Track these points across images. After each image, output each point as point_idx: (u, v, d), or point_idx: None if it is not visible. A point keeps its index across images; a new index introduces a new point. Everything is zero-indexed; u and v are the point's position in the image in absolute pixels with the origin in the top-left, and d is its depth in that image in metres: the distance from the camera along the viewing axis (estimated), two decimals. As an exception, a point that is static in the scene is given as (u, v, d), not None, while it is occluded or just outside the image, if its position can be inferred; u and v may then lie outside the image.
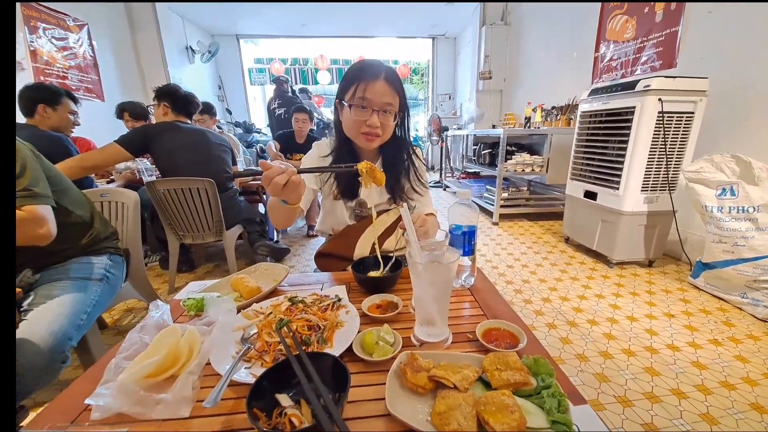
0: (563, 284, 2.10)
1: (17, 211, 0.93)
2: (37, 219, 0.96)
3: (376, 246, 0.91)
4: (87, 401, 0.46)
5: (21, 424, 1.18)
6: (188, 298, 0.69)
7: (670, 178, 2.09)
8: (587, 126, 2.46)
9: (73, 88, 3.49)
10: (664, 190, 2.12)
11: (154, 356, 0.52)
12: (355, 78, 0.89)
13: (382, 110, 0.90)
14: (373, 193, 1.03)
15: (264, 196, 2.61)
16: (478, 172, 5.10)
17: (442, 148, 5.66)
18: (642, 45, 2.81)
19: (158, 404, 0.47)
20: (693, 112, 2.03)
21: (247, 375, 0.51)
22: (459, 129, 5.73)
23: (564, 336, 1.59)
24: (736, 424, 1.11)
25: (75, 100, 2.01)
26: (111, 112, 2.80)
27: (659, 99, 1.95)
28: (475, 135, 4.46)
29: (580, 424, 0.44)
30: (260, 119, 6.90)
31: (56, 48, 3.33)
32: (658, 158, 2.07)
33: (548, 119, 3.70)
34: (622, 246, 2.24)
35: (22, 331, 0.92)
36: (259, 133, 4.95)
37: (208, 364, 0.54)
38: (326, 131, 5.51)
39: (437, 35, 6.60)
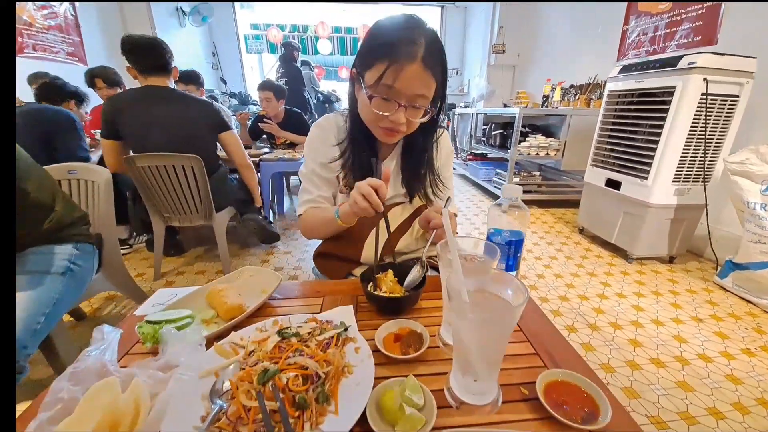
0: (580, 280, 1.95)
1: None
2: None
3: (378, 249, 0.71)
4: None
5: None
6: (145, 323, 0.52)
7: (705, 169, 1.90)
8: (615, 107, 2.24)
9: (54, 50, 3.19)
10: (698, 181, 1.94)
11: (83, 426, 0.35)
12: (384, 53, 0.63)
13: (411, 105, 0.67)
14: (391, 186, 0.83)
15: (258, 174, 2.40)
16: (486, 154, 4.86)
17: (447, 127, 5.39)
18: (678, 18, 2.53)
19: None
20: (738, 96, 1.82)
21: (214, 463, 0.34)
22: (466, 107, 5.43)
23: (586, 341, 1.45)
24: (783, 452, 0.98)
25: None
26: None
27: (704, 79, 1.73)
28: (485, 114, 4.19)
29: None
30: (256, 90, 6.54)
31: (35, 6, 3.01)
32: (695, 146, 1.87)
33: (566, 99, 3.45)
34: (644, 241, 2.08)
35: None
36: (255, 105, 4.66)
37: (161, 437, 0.37)
38: (326, 105, 5.21)
39: (446, 3, 6.15)
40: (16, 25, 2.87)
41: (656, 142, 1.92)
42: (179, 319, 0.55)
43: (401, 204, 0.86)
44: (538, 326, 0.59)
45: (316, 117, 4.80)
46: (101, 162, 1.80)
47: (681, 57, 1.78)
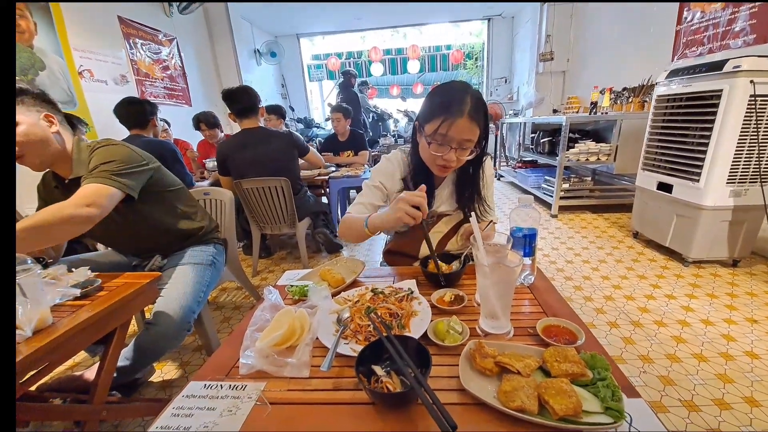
0: (629, 282, 2.02)
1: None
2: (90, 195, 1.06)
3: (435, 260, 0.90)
4: (241, 360, 0.64)
5: (149, 379, 1.51)
6: (291, 285, 0.87)
7: (762, 169, 1.88)
8: (664, 111, 2.27)
9: (169, 96, 4.02)
10: (755, 182, 1.91)
11: (277, 331, 0.68)
12: (440, 111, 0.86)
13: (460, 147, 0.89)
14: (444, 204, 1.10)
15: (327, 190, 2.83)
16: (536, 161, 4.88)
17: (497, 136, 5.50)
18: (734, 16, 2.47)
19: (287, 366, 0.63)
20: (795, 94, 1.79)
21: (347, 349, 0.65)
22: (515, 115, 5.50)
23: (626, 336, 1.56)
24: (820, 439, 1.05)
25: None
26: (197, 117, 3.18)
27: (751, 81, 1.75)
28: (533, 122, 4.27)
29: (633, 415, 0.49)
30: (318, 113, 7.25)
31: (152, 61, 3.85)
32: (749, 147, 1.86)
33: (618, 102, 3.42)
34: (700, 243, 2.08)
35: (159, 305, 1.18)
36: (318, 127, 5.24)
37: (317, 338, 0.69)
38: (380, 123, 5.64)
39: (493, 16, 6.30)
40: (139, 78, 3.70)
41: (706, 144, 1.94)
42: (306, 285, 0.89)
43: (449, 216, 1.13)
44: (544, 292, 0.84)
45: (371, 134, 5.25)
46: (214, 185, 2.32)
47: (726, 61, 1.82)
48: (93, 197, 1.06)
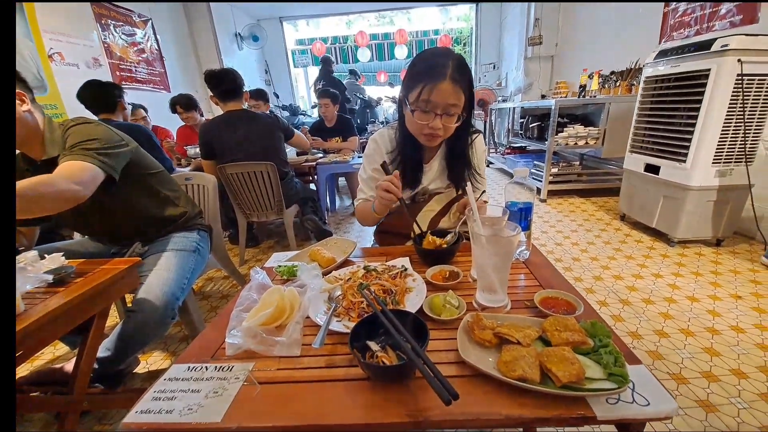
0: (617, 263, 2.05)
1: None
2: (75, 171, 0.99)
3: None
4: (227, 340, 0.60)
5: (134, 371, 1.46)
6: (280, 266, 0.83)
7: (747, 149, 1.91)
8: (652, 93, 2.28)
9: (143, 80, 3.84)
10: (740, 162, 1.94)
11: (265, 310, 0.65)
12: (421, 77, 0.84)
13: (445, 113, 0.86)
14: (436, 180, 1.07)
15: (315, 177, 2.77)
16: (525, 147, 4.89)
17: (485, 122, 5.47)
18: (722, -3, 2.48)
19: (276, 345, 0.59)
20: (779, 74, 1.81)
21: (340, 326, 0.62)
22: (504, 101, 5.48)
23: (616, 314, 1.58)
24: (803, 405, 1.08)
25: None
26: (176, 102, 3.05)
27: (738, 60, 1.76)
28: (522, 107, 4.26)
29: (635, 381, 0.49)
30: (304, 101, 7.08)
31: (126, 44, 3.67)
32: (735, 127, 1.89)
33: (606, 86, 3.43)
34: (686, 224, 2.11)
35: (141, 292, 1.13)
36: (304, 114, 5.12)
37: (308, 317, 0.66)
38: (367, 110, 5.55)
39: (480, 2, 6.21)
40: (113, 61, 3.52)
41: (693, 125, 1.96)
42: (296, 265, 0.85)
43: (442, 193, 1.11)
44: (540, 267, 0.82)
45: (359, 121, 5.16)
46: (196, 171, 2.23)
47: (714, 40, 1.82)
48: (80, 175, 0.99)
